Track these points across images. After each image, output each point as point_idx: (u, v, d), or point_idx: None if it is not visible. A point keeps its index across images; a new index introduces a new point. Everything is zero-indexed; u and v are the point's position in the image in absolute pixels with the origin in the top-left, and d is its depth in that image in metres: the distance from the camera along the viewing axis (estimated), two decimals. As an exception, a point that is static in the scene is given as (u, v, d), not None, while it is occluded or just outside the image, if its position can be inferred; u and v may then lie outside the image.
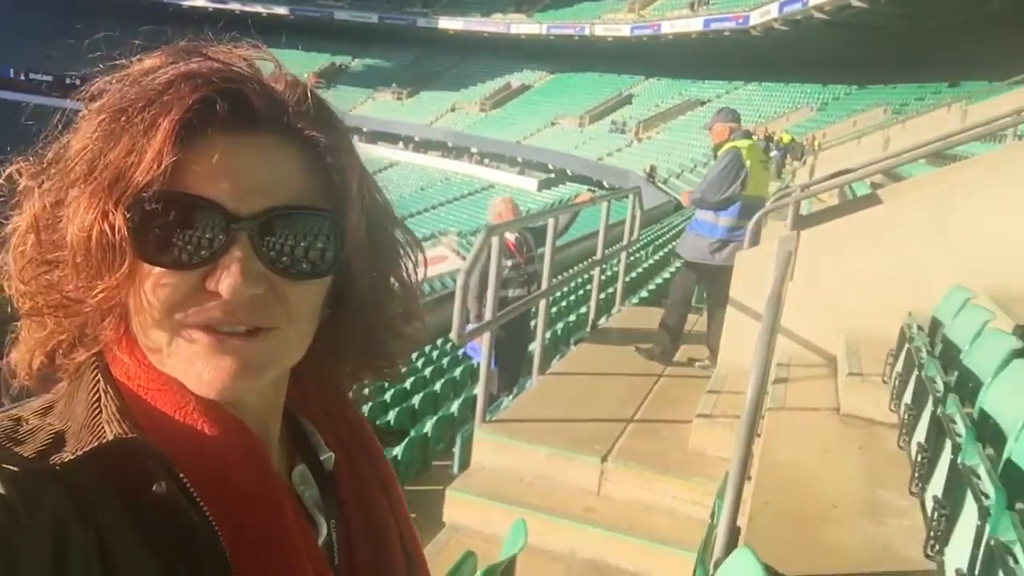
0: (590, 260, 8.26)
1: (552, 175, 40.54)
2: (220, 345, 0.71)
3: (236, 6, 61.76)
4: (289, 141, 0.74)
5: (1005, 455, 2.56)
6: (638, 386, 5.94)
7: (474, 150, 47.84)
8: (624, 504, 4.57)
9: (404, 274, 0.87)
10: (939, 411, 2.94)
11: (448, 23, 58.61)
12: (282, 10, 64.27)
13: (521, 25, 54.88)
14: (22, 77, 60.03)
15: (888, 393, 4.17)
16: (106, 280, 0.69)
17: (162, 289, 0.70)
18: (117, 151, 0.68)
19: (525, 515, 3.55)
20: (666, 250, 14.51)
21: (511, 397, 6.39)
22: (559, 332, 9.74)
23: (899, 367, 4.13)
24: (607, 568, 4.26)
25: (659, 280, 11.22)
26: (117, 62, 0.74)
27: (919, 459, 3.12)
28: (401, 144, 53.24)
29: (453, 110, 53.65)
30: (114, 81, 0.72)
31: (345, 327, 0.84)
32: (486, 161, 46.76)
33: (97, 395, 0.71)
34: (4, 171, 0.74)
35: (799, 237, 5.22)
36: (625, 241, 8.46)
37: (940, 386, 3.21)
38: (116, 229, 0.67)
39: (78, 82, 0.73)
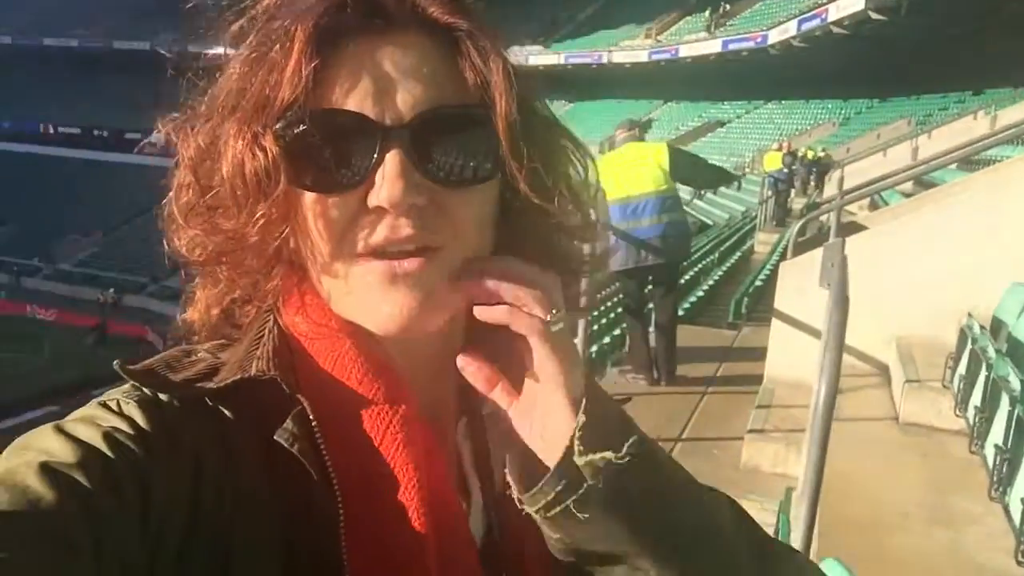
0: (614, 286, 8.14)
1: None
2: (393, 272, 0.67)
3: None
4: (427, 35, 0.70)
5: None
6: (682, 403, 5.81)
7: (496, 180, 47.97)
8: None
9: (572, 180, 0.78)
10: (1018, 411, 2.79)
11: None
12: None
13: (539, 56, 55.30)
14: (51, 131, 61.39)
15: (951, 398, 4.02)
16: (263, 208, 0.67)
17: (324, 216, 0.68)
18: (260, 76, 0.67)
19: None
20: (696, 269, 14.35)
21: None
22: (594, 355, 9.61)
23: (962, 370, 3.98)
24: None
25: (692, 298, 11.06)
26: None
27: (998, 462, 2.96)
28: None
29: (474, 143, 53.98)
30: (250, 19, 0.71)
31: (513, 238, 0.75)
32: (508, 191, 46.85)
33: (260, 336, 0.73)
34: (162, 130, 0.74)
35: (844, 244, 5.09)
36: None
37: (1016, 385, 3.06)
38: (267, 152, 0.66)
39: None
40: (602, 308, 10.46)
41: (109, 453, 0.61)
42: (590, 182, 0.79)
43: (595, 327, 11.31)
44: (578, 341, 6.30)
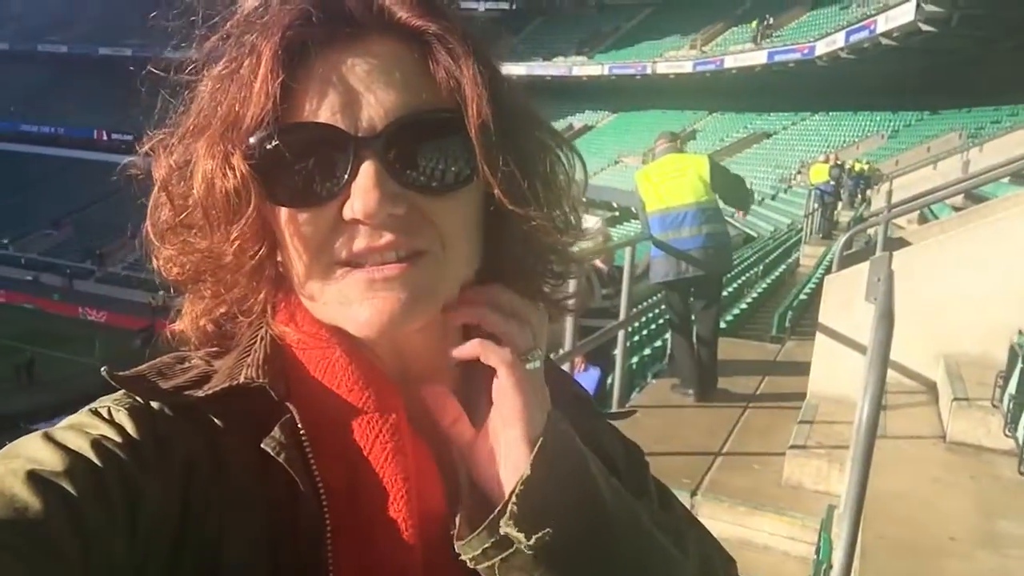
0: (654, 298, 8.08)
1: (616, 213, 40.35)
2: (371, 279, 0.66)
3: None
4: (397, 40, 0.69)
5: None
6: (724, 417, 5.75)
7: (537, 191, 47.89)
8: (717, 541, 4.35)
9: (555, 181, 0.76)
10: (1071, 432, 2.71)
11: (511, 69, 58.92)
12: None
13: (583, 67, 55.22)
14: (105, 137, 62.80)
15: (1000, 417, 3.92)
16: (237, 228, 0.67)
17: (302, 230, 0.67)
18: (230, 94, 0.66)
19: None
20: (740, 281, 14.19)
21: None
22: (634, 366, 9.55)
23: (1012, 388, 3.88)
24: (702, 607, 4.05)
25: (735, 311, 10.93)
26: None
27: (1048, 484, 2.88)
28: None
29: (516, 153, 54.01)
30: (223, 36, 0.70)
31: (500, 240, 0.75)
32: (549, 202, 46.74)
33: (252, 344, 0.73)
34: (143, 147, 0.73)
35: (891, 258, 5.00)
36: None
37: (1068, 405, 2.97)
38: (236, 171, 0.65)
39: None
40: (643, 319, 10.39)
41: (97, 461, 0.61)
42: (576, 181, 0.78)
43: (636, 338, 11.25)
44: (617, 352, 6.27)
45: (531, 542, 0.64)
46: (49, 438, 0.62)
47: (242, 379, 0.68)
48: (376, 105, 0.65)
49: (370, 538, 0.67)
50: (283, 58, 0.64)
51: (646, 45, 54.21)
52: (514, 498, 0.65)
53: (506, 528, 0.64)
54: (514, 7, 67.27)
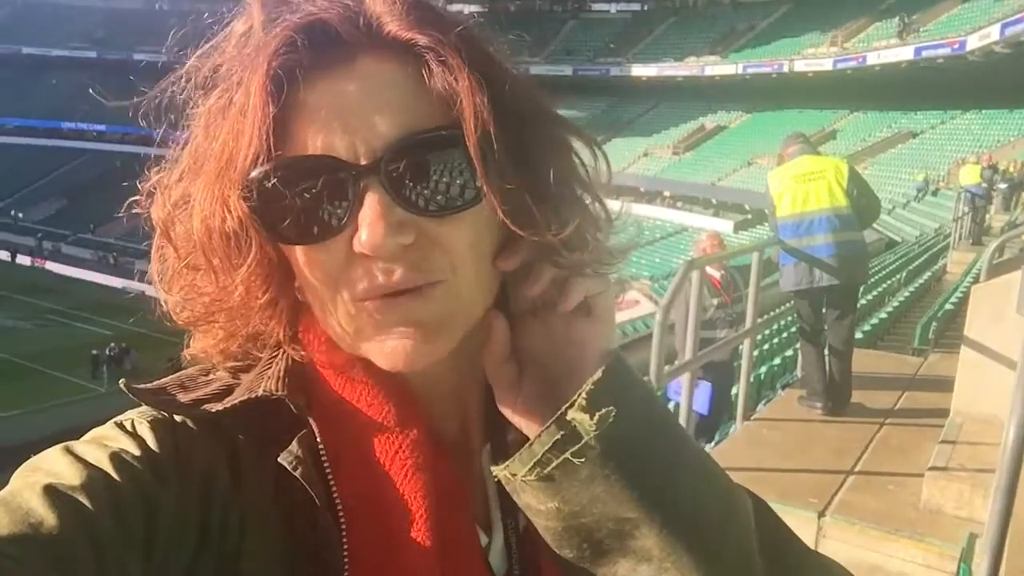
0: (768, 315, 7.77)
1: (749, 216, 39.22)
2: (388, 310, 0.64)
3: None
4: (390, 57, 0.65)
5: None
6: (857, 434, 5.44)
7: (667, 193, 47.30)
8: (846, 565, 4.07)
9: (573, 179, 0.71)
10: None
11: (641, 71, 58.77)
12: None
13: (716, 67, 54.08)
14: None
15: None
16: (242, 271, 0.66)
17: (314, 267, 0.65)
18: (223, 132, 0.64)
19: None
20: (880, 289, 13.50)
21: (712, 444, 6.05)
22: (762, 376, 9.22)
23: None
24: (828, 636, 3.84)
25: (874, 320, 10.40)
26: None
27: None
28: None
29: (646, 155, 53.28)
30: (213, 68, 0.68)
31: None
32: (679, 204, 46.09)
33: (274, 357, 0.71)
34: (143, 187, 0.72)
35: (1048, 266, 4.60)
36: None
37: None
38: (233, 212, 0.63)
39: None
40: (773, 328, 10.04)
41: (115, 475, 0.60)
42: (600, 173, 0.73)
43: (765, 347, 10.87)
44: (743, 363, 6.05)
45: (598, 430, 0.61)
46: (69, 451, 0.62)
47: (261, 392, 0.67)
48: (373, 129, 0.62)
49: (390, 557, 0.66)
50: (271, 90, 0.62)
51: (783, 43, 52.49)
52: (585, 391, 0.62)
53: (574, 414, 0.61)
54: (645, 8, 66.60)
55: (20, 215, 60.00)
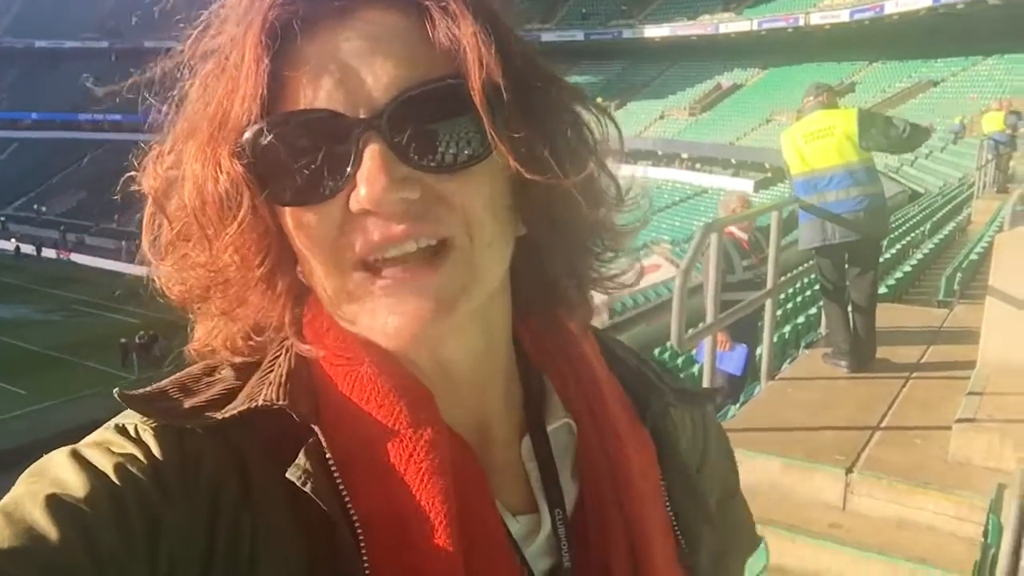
0: (790, 274, 7.70)
1: (769, 174, 38.74)
2: (396, 282, 0.61)
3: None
4: (389, 7, 0.62)
5: None
6: (882, 390, 5.40)
7: (685, 155, 46.89)
8: (875, 520, 4.12)
9: (581, 144, 0.68)
10: None
11: (654, 31, 57.90)
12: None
13: (730, 24, 53.26)
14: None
15: None
16: (233, 235, 0.62)
17: (310, 231, 0.62)
18: (218, 91, 0.61)
19: (762, 532, 3.27)
20: (904, 242, 13.33)
21: (738, 405, 6.05)
22: (786, 335, 9.18)
23: None
24: (859, 590, 3.85)
25: (898, 274, 10.27)
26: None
27: None
28: (609, 158, 52.52)
29: (662, 117, 52.76)
30: (211, 34, 0.65)
31: (536, 212, 0.67)
32: (697, 166, 45.68)
33: (276, 358, 0.68)
34: (139, 163, 0.69)
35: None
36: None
37: None
38: (226, 172, 0.60)
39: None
40: (796, 287, 9.97)
41: (120, 486, 0.57)
42: (609, 143, 0.70)
43: (789, 305, 10.81)
44: (765, 322, 6.02)
45: None
46: (75, 455, 0.60)
47: (261, 401, 0.63)
48: (375, 82, 0.59)
49: (412, 566, 0.61)
50: (268, 43, 0.59)
51: (798, -5, 51.63)
52: None
53: None
54: (656, -33, 65.57)
55: (43, 208, 60.68)
